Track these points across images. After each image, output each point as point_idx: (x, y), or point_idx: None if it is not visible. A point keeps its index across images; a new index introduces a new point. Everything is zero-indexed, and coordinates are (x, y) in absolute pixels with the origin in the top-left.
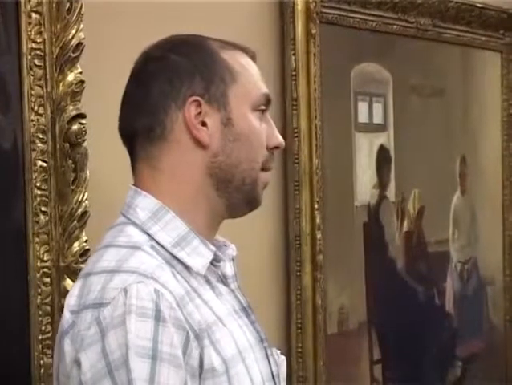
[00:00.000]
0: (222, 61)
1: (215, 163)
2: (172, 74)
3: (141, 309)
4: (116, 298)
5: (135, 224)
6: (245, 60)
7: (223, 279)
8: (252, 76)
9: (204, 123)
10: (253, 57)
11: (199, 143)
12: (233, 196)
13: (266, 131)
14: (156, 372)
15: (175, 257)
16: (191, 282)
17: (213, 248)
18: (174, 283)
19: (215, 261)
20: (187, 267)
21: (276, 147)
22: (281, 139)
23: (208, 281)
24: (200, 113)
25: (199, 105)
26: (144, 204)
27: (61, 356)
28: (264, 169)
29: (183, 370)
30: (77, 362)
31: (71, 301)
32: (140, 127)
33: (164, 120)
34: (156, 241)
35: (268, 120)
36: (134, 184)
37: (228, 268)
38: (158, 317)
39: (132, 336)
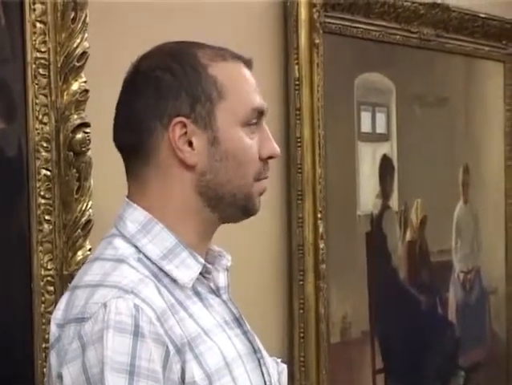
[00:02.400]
0: (210, 77)
1: (203, 182)
2: (157, 91)
3: (119, 324)
4: (96, 314)
5: (123, 236)
6: (238, 71)
7: (215, 290)
8: (242, 90)
9: (190, 143)
10: (248, 63)
11: (184, 164)
12: (225, 210)
13: (259, 142)
14: None
15: (162, 270)
16: (177, 295)
17: (202, 260)
18: (156, 297)
19: (205, 273)
20: (174, 280)
21: (270, 157)
22: (275, 148)
23: (197, 293)
24: (186, 133)
25: (184, 126)
26: (134, 216)
27: (48, 370)
28: (258, 180)
29: None
30: (59, 377)
31: (57, 314)
32: (127, 143)
33: (149, 139)
34: (144, 254)
35: (262, 130)
36: (127, 196)
37: (221, 278)
38: (137, 332)
39: (109, 352)
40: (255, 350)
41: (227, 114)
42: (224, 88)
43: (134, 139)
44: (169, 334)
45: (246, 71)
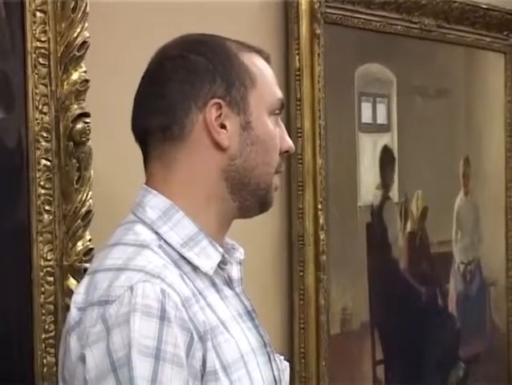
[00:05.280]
0: (242, 64)
1: (232, 166)
2: (192, 74)
3: (147, 308)
4: (122, 296)
5: (144, 222)
6: (262, 63)
7: (228, 282)
8: (268, 80)
9: (223, 126)
10: (267, 59)
11: (218, 146)
12: (246, 199)
13: (279, 135)
14: (159, 371)
15: (183, 257)
16: (197, 284)
17: (221, 250)
18: (181, 284)
19: (222, 264)
20: (194, 268)
21: (287, 152)
22: (291, 143)
23: (213, 284)
24: (220, 115)
25: (220, 107)
26: (154, 202)
27: (67, 353)
28: (277, 172)
29: (186, 370)
30: (82, 359)
31: (77, 298)
32: (155, 125)
33: (183, 120)
34: (165, 241)
35: (280, 124)
36: (145, 183)
37: (234, 271)
38: (163, 316)
39: (135, 335)
40: (265, 344)
41: (258, 100)
42: (254, 75)
43: (166, 122)
44: (193, 321)
45: (267, 66)
